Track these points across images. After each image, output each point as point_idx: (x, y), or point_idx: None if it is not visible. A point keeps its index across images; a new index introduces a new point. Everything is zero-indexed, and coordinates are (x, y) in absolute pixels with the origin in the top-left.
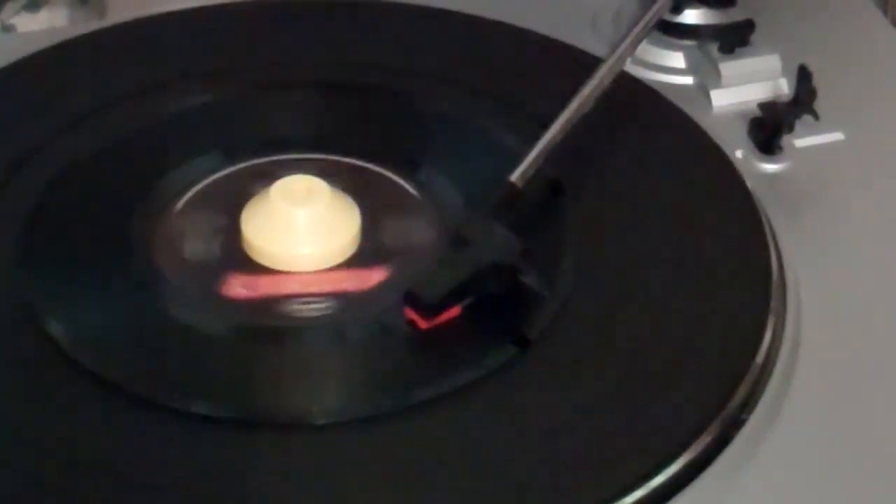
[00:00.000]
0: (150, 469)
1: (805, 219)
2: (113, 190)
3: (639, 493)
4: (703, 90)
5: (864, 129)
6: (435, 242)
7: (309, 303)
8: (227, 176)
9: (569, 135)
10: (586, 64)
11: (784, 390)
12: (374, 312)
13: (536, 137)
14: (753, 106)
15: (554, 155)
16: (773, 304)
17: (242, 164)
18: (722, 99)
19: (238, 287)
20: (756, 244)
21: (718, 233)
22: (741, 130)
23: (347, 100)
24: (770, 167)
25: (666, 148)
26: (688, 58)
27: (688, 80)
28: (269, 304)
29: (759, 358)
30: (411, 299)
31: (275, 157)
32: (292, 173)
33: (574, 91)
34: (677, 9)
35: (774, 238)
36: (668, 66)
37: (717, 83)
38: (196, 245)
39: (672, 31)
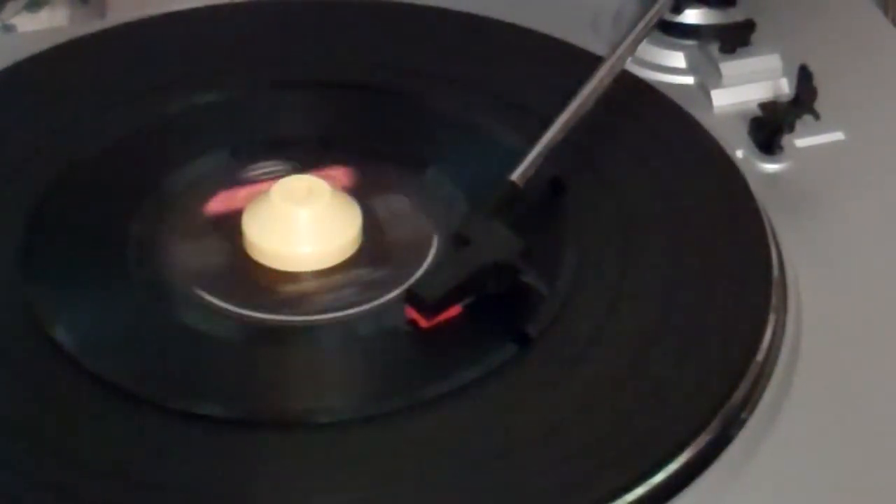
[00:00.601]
0: (154, 470)
1: (806, 218)
2: (114, 190)
3: (639, 492)
4: (703, 90)
5: (865, 129)
6: (436, 241)
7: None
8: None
9: (569, 134)
10: (587, 63)
11: (784, 389)
12: (376, 312)
13: (537, 136)
14: (754, 106)
15: (555, 154)
16: (774, 303)
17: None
18: (722, 99)
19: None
20: (757, 243)
21: (719, 232)
22: (742, 130)
23: (347, 99)
24: (771, 167)
25: (667, 147)
26: (688, 57)
27: (688, 79)
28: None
29: (760, 357)
30: (412, 298)
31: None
32: (293, 173)
33: (575, 90)
34: (678, 8)
35: (775, 237)
36: (669, 66)
37: (718, 83)
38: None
39: (673, 31)
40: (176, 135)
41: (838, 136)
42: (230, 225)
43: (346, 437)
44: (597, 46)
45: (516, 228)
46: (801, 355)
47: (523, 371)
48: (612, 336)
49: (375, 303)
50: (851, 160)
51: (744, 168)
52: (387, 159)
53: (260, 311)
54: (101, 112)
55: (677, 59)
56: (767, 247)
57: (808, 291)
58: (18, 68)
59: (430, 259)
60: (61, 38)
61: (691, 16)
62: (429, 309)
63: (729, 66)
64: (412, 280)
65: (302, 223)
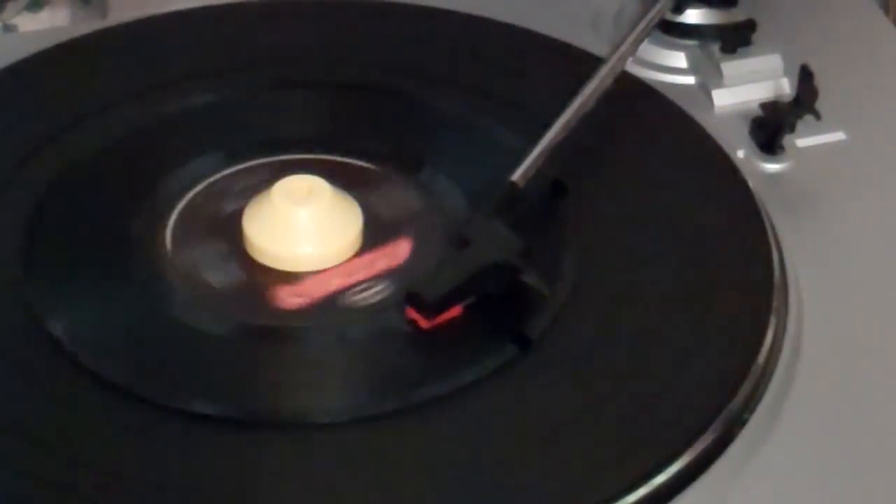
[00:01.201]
0: (153, 469)
1: (807, 219)
2: (114, 190)
3: (641, 492)
4: (704, 90)
5: (866, 129)
6: (436, 242)
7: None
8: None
9: (570, 135)
10: (587, 64)
11: (785, 390)
12: (376, 312)
13: (538, 137)
14: (755, 106)
15: (555, 155)
16: (775, 303)
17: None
18: (723, 99)
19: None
20: (757, 244)
21: (720, 232)
22: (743, 130)
23: (348, 99)
24: (772, 167)
25: (667, 148)
26: (689, 57)
27: (689, 79)
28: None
29: (761, 358)
30: (413, 299)
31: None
32: (294, 173)
33: (575, 91)
34: (679, 8)
35: (776, 238)
36: (670, 66)
37: (719, 83)
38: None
39: (673, 31)
40: (176, 135)
41: (839, 136)
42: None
43: (345, 437)
44: (597, 47)
45: (517, 229)
46: (802, 356)
47: (524, 372)
48: (613, 337)
49: (376, 303)
50: (852, 160)
51: (745, 168)
52: (387, 159)
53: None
54: (101, 112)
55: (678, 59)
56: (768, 247)
57: (808, 291)
58: (19, 68)
59: (430, 260)
60: (62, 38)
61: (692, 16)
62: (429, 309)
63: (730, 66)
64: (413, 281)
65: (302, 223)
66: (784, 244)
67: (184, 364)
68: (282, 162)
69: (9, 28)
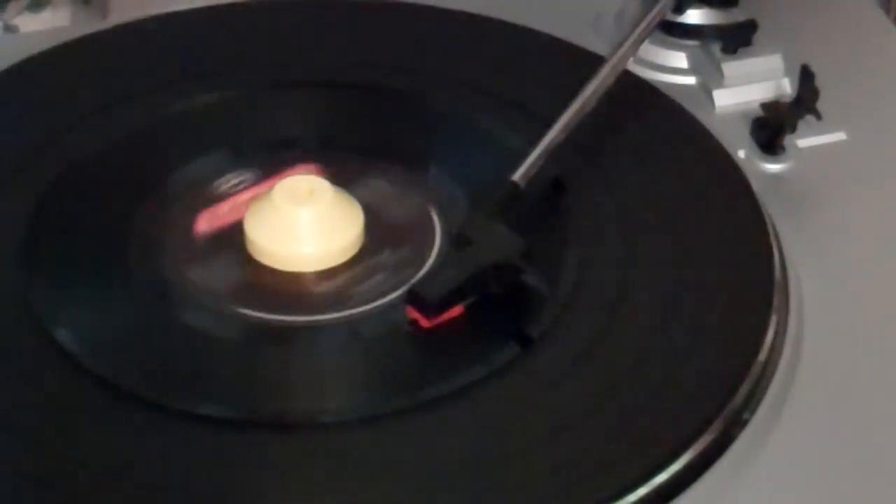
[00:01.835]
0: (155, 470)
1: (807, 218)
2: (115, 190)
3: (642, 492)
4: (705, 90)
5: (867, 129)
6: (437, 242)
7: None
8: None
9: (571, 134)
10: (589, 63)
11: (786, 389)
12: (377, 312)
13: (538, 137)
14: (756, 106)
15: (556, 154)
16: (776, 302)
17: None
18: (724, 99)
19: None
20: (758, 243)
21: (721, 232)
22: (744, 130)
23: (349, 99)
24: (773, 167)
25: (668, 147)
26: (690, 58)
27: (690, 80)
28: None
29: (762, 356)
30: (414, 298)
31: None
32: (295, 173)
33: (576, 90)
34: (679, 9)
35: (777, 237)
36: (671, 66)
37: (720, 83)
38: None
39: (674, 31)
40: (176, 135)
41: (840, 136)
42: (232, 225)
43: (347, 437)
44: (598, 46)
45: (517, 229)
46: (802, 355)
47: (525, 371)
48: (614, 336)
49: (377, 303)
50: (853, 160)
51: (746, 168)
52: (388, 160)
53: (261, 312)
54: (102, 112)
55: (679, 59)
56: (769, 247)
57: (809, 291)
58: (20, 68)
59: (431, 259)
60: (63, 39)
61: (693, 16)
62: (430, 309)
63: (731, 67)
64: (414, 280)
65: (303, 223)
66: (785, 243)
67: (185, 365)
68: (282, 162)
69: (10, 28)
